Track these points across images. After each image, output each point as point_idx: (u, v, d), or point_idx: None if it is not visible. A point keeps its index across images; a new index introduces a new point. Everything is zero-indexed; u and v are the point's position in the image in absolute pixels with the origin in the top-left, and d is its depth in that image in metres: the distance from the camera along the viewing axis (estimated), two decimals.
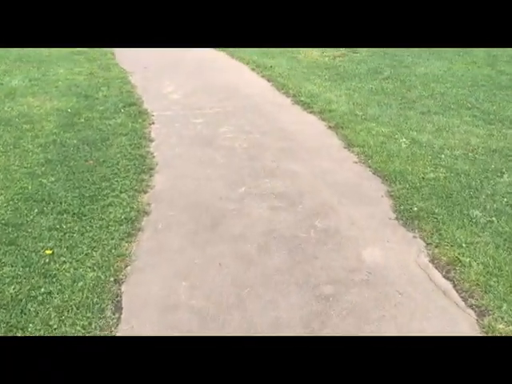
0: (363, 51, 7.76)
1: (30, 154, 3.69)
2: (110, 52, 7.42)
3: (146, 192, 3.28)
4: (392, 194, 3.32)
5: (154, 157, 3.84)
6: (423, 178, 3.51)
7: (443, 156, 3.89)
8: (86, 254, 2.55)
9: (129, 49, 7.80)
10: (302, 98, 5.33)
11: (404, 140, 4.19)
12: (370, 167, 3.73)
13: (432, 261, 2.65)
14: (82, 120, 4.46)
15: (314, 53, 7.70)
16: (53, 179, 3.31)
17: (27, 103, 4.81)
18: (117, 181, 3.34)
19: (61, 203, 3.01)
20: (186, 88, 5.79)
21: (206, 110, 5.02)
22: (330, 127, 4.58)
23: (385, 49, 7.94)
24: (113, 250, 2.59)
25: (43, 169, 3.45)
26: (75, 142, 3.95)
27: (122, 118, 4.57)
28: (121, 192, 3.20)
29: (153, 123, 4.60)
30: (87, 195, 3.13)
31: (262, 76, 6.34)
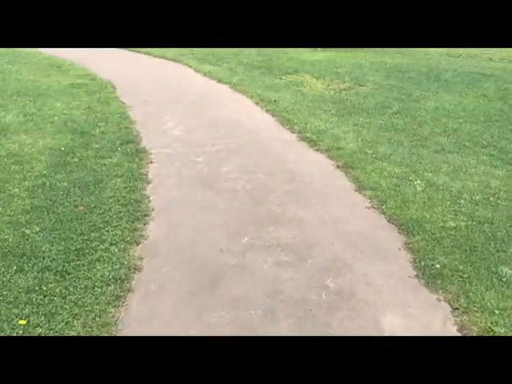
0: (369, 84, 7.57)
1: (16, 199, 3.41)
2: (111, 85, 7.24)
3: (138, 243, 2.98)
4: (410, 246, 3.01)
5: (149, 201, 3.56)
6: (443, 228, 3.21)
7: (462, 201, 3.60)
8: (66, 323, 2.24)
9: (130, 82, 7.65)
10: (308, 135, 5.09)
11: (419, 182, 3.91)
12: (384, 214, 3.43)
13: (461, 330, 2.32)
14: (76, 159, 4.20)
15: (318, 85, 7.52)
16: (37, 229, 3.02)
17: (19, 141, 4.57)
18: (107, 230, 3.05)
19: (43, 258, 2.71)
20: (187, 123, 5.56)
21: (207, 148, 4.77)
22: (338, 167, 4.31)
23: (392, 82, 7.76)
24: (97, 318, 2.28)
25: (28, 217, 3.17)
26: (66, 184, 3.68)
27: (119, 156, 4.32)
28: (111, 244, 2.90)
29: (151, 162, 4.34)
30: (73, 248, 2.83)
31: (266, 110, 6.12)
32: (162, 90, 7.20)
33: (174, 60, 9.66)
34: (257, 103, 6.47)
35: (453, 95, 6.89)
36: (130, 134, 5.01)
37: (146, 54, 10.44)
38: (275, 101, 6.47)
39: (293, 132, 5.28)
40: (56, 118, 5.41)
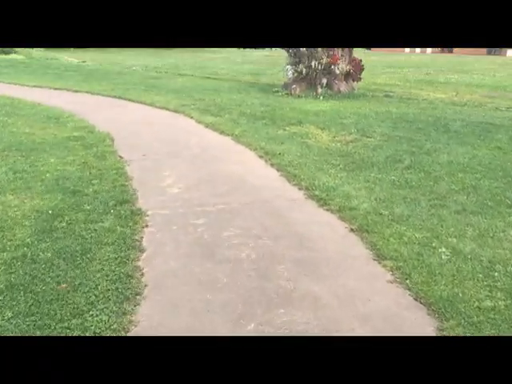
0: (377, 136, 7.32)
1: None
2: (109, 138, 6.99)
3: (127, 331, 2.55)
4: (445, 334, 2.57)
5: (142, 275, 3.15)
6: (479, 309, 2.78)
7: (496, 274, 3.18)
8: None
9: (129, 134, 7.41)
10: (317, 192, 4.74)
11: (443, 250, 3.51)
12: (409, 290, 3.01)
13: None
14: (64, 224, 3.83)
15: (324, 137, 7.26)
16: (10, 314, 2.60)
17: (4, 202, 4.22)
18: (92, 315, 2.62)
19: None
20: (186, 180, 5.23)
21: (208, 208, 4.41)
22: (352, 230, 3.92)
23: (400, 133, 7.51)
24: None
25: (1, 298, 2.76)
26: (49, 255, 3.28)
27: (111, 220, 3.94)
28: (94, 334, 2.47)
29: (146, 226, 3.96)
30: None
31: (271, 164, 5.81)
32: (162, 142, 6.93)
33: (176, 111, 9.49)
34: (261, 156, 6.17)
35: (465, 147, 6.60)
36: (125, 192, 4.66)
37: (148, 105, 10.30)
38: (280, 154, 6.17)
39: (300, 189, 4.94)
40: (48, 174, 5.09)
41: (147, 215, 4.18)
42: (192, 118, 8.80)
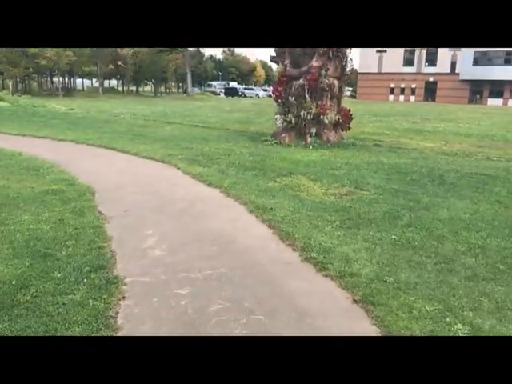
0: (371, 188, 7.03)
1: None
2: (91, 191, 6.59)
3: None
4: None
5: None
6: None
7: None
8: None
9: (112, 187, 7.03)
10: (314, 254, 4.35)
11: (460, 327, 3.10)
12: None
13: None
14: (28, 297, 3.35)
15: (316, 190, 6.96)
16: None
17: None
18: None
19: None
20: (171, 239, 4.81)
21: (194, 274, 3.98)
22: (355, 301, 3.50)
23: (394, 185, 7.24)
24: None
25: None
26: None
27: (83, 291, 3.48)
28: None
29: (123, 298, 3.50)
30: None
31: (262, 221, 5.43)
32: (146, 196, 6.55)
33: (163, 161, 9.18)
34: (251, 211, 5.80)
35: (465, 201, 6.32)
36: (102, 256, 4.22)
37: (134, 154, 9.99)
38: (271, 209, 5.81)
39: (294, 250, 4.54)
40: (18, 235, 4.63)
41: (125, 284, 3.72)
42: (179, 168, 8.48)
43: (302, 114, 11.79)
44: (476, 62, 53.69)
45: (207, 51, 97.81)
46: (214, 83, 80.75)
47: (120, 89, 70.87)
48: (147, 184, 7.25)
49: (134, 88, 71.03)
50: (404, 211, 5.77)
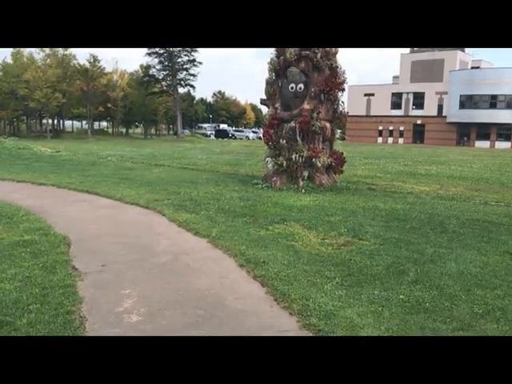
0: (370, 237, 6.56)
1: None
2: (66, 242, 6.03)
3: None
4: None
5: None
6: None
7: None
8: None
9: (91, 236, 6.47)
10: (313, 320, 3.80)
11: None
12: None
13: None
14: None
15: (312, 239, 6.46)
16: None
17: None
18: None
19: None
20: (150, 301, 4.24)
21: None
22: None
23: (395, 234, 6.78)
24: None
25: None
26: None
27: None
28: None
29: None
30: None
31: (254, 277, 4.90)
32: (126, 247, 5.99)
33: (147, 206, 8.67)
34: (242, 266, 5.27)
35: (472, 252, 5.85)
36: (68, 324, 3.63)
37: (118, 199, 9.47)
38: (264, 262, 5.29)
39: (291, 314, 3.99)
40: None
41: None
42: (164, 215, 7.96)
43: (293, 157, 11.45)
44: (462, 105, 54.90)
45: (197, 95, 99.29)
46: (204, 125, 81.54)
47: (110, 131, 71.09)
48: (129, 234, 6.70)
49: (123, 130, 71.32)
50: (409, 265, 5.28)
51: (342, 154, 12.43)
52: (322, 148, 11.80)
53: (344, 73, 11.80)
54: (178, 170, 16.12)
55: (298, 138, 11.50)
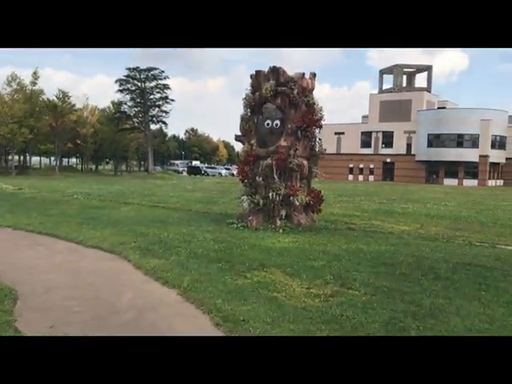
0: (360, 286, 5.94)
1: None
2: (12, 296, 5.16)
3: None
4: None
5: None
6: None
7: None
8: None
9: (43, 288, 5.62)
10: None
11: None
12: None
13: None
14: None
15: (296, 289, 5.79)
16: None
17: None
18: None
19: None
20: None
21: None
22: None
23: (385, 282, 6.18)
24: None
25: None
26: None
27: None
28: None
29: None
30: None
31: None
32: (83, 302, 5.17)
33: (111, 251, 7.84)
34: (218, 325, 4.52)
35: (473, 304, 5.28)
36: None
37: (79, 243, 8.61)
38: (244, 321, 4.57)
39: None
40: None
41: None
42: (130, 261, 7.16)
43: (270, 195, 10.88)
44: (430, 144, 56.25)
45: (170, 131, 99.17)
46: (176, 162, 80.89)
47: (79, 167, 69.56)
48: (87, 285, 5.87)
49: (93, 166, 69.93)
50: (408, 320, 4.65)
51: (320, 192, 11.95)
52: (300, 186, 11.29)
53: (321, 110, 11.49)
54: (148, 209, 15.30)
55: (275, 176, 10.96)
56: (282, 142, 11.08)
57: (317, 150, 11.79)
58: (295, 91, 10.91)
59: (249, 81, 11.70)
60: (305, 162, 11.32)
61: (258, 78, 11.30)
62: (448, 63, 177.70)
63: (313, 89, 11.55)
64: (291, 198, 10.92)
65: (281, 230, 10.52)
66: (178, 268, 6.66)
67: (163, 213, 14.10)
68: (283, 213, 11.02)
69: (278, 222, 10.87)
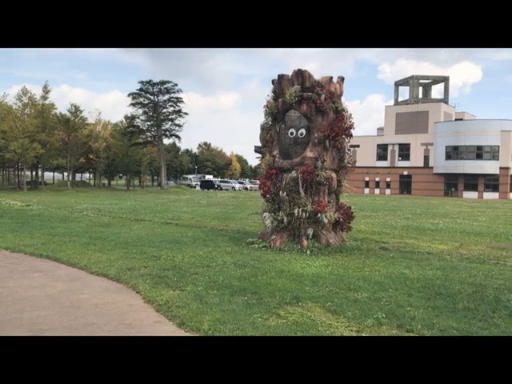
0: (420, 326, 4.79)
1: None
2: None
3: None
4: None
5: None
6: None
7: None
8: None
9: (34, 330, 4.55)
10: None
11: None
12: None
13: None
14: None
15: (344, 333, 4.65)
16: None
17: None
18: None
19: None
20: None
21: None
22: None
23: (451, 321, 5.02)
24: None
25: None
26: None
27: None
28: None
29: None
30: None
31: None
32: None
33: (118, 279, 6.78)
34: None
35: None
36: None
37: (82, 268, 7.58)
38: None
39: None
40: None
41: None
42: (139, 292, 6.08)
43: (295, 211, 9.76)
44: (448, 156, 54.74)
45: (183, 146, 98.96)
46: (189, 176, 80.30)
47: (92, 182, 69.24)
48: (85, 326, 4.79)
49: (106, 181, 69.58)
50: None
51: (350, 207, 10.81)
52: (328, 201, 10.16)
53: (351, 117, 10.40)
54: (161, 226, 14.28)
55: (301, 190, 9.85)
56: (308, 153, 10.00)
57: (346, 161, 10.70)
58: (322, 97, 9.85)
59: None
60: (333, 175, 10.21)
61: (280, 82, 10.27)
62: (460, 76, 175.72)
63: (341, 94, 10.49)
64: (319, 214, 9.80)
65: (308, 252, 9.38)
66: (196, 302, 5.56)
67: (177, 231, 13.06)
68: (310, 231, 9.88)
69: (305, 242, 9.74)
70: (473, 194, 52.97)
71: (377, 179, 60.77)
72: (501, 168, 52.11)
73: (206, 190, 62.49)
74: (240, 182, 73.28)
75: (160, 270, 7.31)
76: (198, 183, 70.65)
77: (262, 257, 8.80)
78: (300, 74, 9.99)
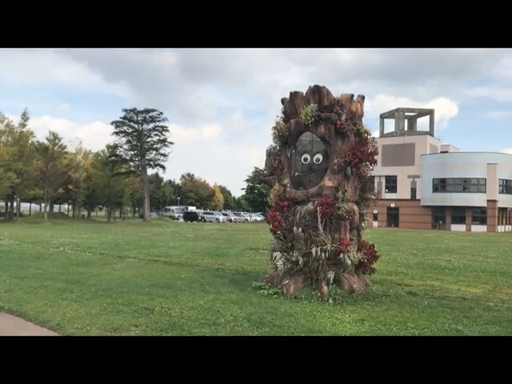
0: None
1: None
2: None
3: None
4: None
5: None
6: None
7: None
8: None
9: None
10: None
11: None
12: None
13: None
14: None
15: None
16: None
17: None
18: None
19: None
20: None
21: None
22: None
23: None
24: None
25: None
26: None
27: None
28: None
29: None
30: None
31: None
32: None
33: None
34: None
35: None
36: None
37: (53, 328, 5.85)
38: None
39: None
40: None
41: None
42: None
43: (313, 251, 8.22)
44: (435, 189, 54.27)
45: (166, 176, 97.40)
46: (172, 207, 78.28)
47: (71, 214, 66.59)
48: None
49: (85, 213, 67.04)
50: None
51: (373, 246, 9.33)
52: (350, 239, 8.67)
53: (374, 140, 9.07)
54: (148, 265, 12.54)
55: (320, 226, 8.35)
56: (327, 182, 8.56)
57: (368, 192, 9.30)
58: (343, 117, 8.50)
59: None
60: (355, 208, 8.78)
61: (293, 101, 8.89)
62: (438, 111, 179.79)
63: (362, 115, 9.18)
64: (341, 254, 8.28)
65: (330, 300, 7.81)
66: None
67: (167, 271, 11.36)
68: (331, 275, 8.31)
69: (325, 288, 8.17)
70: (461, 227, 52.29)
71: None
72: (488, 201, 51.77)
73: (189, 221, 60.54)
74: (224, 214, 71.60)
75: (155, 331, 5.63)
76: (181, 215, 68.67)
77: (277, 308, 7.18)
78: (317, 91, 8.64)
